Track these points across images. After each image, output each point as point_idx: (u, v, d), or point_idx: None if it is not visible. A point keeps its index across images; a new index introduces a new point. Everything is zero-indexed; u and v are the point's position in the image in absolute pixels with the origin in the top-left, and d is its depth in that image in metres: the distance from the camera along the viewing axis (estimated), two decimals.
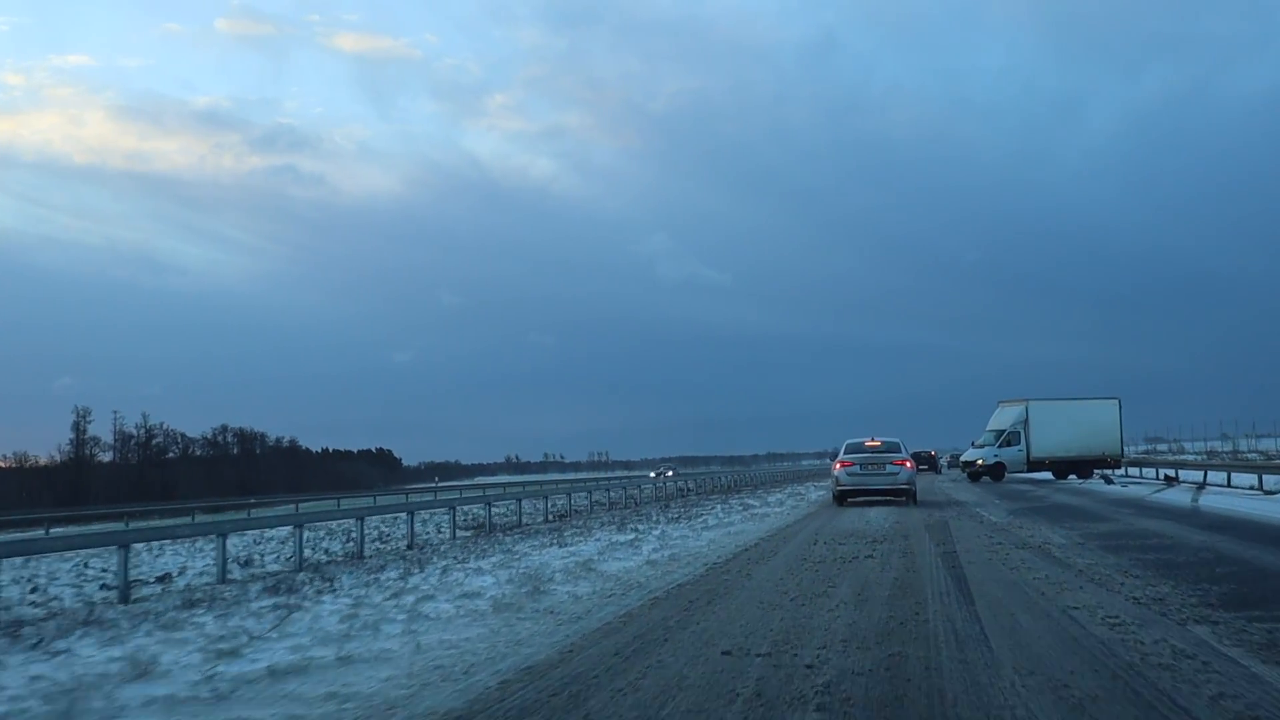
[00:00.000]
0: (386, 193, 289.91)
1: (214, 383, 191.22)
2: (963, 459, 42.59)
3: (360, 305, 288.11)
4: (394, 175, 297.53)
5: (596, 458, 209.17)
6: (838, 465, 23.06)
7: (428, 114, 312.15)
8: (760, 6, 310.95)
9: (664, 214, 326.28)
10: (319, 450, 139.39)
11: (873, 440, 22.81)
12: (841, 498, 22.74)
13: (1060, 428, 39.23)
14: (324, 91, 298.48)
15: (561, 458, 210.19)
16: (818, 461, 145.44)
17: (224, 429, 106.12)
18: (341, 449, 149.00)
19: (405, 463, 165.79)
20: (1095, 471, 39.12)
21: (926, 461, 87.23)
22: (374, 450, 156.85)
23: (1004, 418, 40.77)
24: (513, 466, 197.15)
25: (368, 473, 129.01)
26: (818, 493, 31.04)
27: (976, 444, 40.85)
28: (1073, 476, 38.83)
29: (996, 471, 38.89)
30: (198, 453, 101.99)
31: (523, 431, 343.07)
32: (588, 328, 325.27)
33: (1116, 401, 41.05)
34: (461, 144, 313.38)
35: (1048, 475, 39.92)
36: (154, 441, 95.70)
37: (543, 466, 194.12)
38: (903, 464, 22.37)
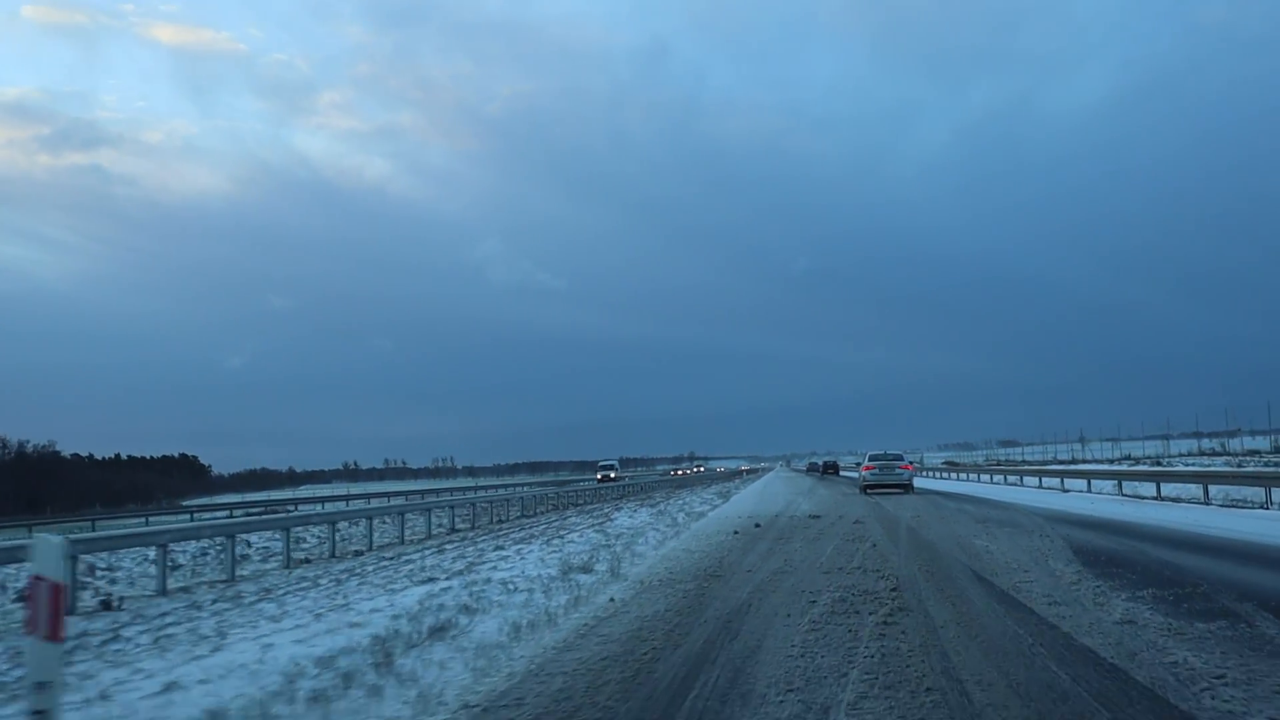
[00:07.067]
0: (214, 191, 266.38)
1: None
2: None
3: (184, 306, 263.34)
4: (221, 173, 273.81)
5: (440, 463, 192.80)
6: (864, 468, 34.21)
7: (254, 111, 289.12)
8: (588, 11, 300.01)
9: (501, 217, 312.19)
10: (107, 457, 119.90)
11: (882, 452, 34.69)
12: (866, 489, 33.24)
13: None
14: (143, 85, 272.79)
15: (403, 463, 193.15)
16: (673, 466, 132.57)
17: None
18: (141, 455, 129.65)
19: (215, 471, 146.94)
20: None
21: (831, 469, 70.06)
22: (175, 457, 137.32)
23: None
24: (350, 474, 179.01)
25: (151, 484, 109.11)
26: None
27: None
28: None
29: None
30: None
31: (363, 437, 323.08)
32: (428, 331, 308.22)
33: None
34: (291, 143, 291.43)
35: None
36: None
37: (383, 474, 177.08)
38: (905, 467, 34.04)
